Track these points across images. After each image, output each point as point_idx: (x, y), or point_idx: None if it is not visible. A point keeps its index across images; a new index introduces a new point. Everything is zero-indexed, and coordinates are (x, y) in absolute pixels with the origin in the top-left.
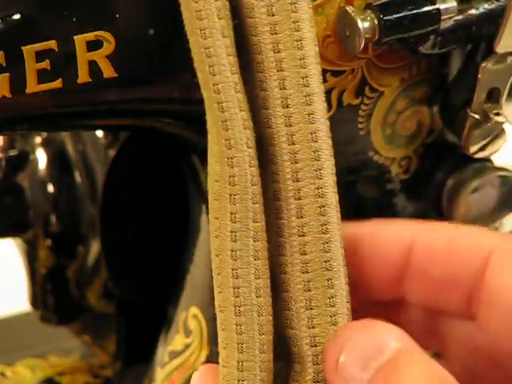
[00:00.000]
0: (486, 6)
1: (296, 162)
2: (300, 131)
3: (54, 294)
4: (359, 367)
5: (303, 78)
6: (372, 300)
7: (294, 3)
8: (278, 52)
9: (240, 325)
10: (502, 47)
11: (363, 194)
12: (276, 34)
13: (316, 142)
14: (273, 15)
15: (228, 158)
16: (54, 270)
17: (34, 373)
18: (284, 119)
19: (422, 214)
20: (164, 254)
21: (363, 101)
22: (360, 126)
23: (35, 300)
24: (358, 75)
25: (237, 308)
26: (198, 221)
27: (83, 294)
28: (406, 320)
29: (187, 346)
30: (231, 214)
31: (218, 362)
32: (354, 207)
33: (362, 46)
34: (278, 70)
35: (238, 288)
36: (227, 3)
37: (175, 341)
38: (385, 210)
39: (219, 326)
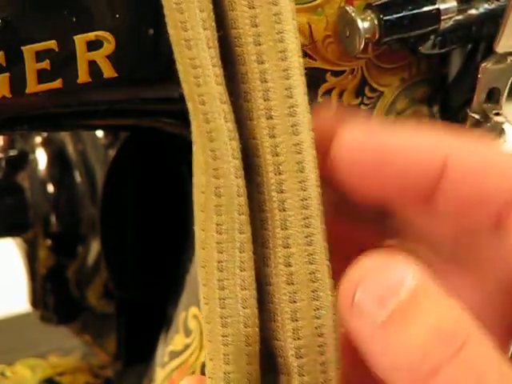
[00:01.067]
0: (486, 6)
1: (280, 174)
2: (284, 142)
3: (53, 294)
4: (376, 305)
5: (287, 89)
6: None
7: (278, 14)
8: (262, 63)
9: (226, 336)
10: (501, 47)
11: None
12: (260, 45)
13: (300, 153)
14: (256, 26)
15: (213, 169)
16: (54, 270)
17: (34, 373)
18: (268, 130)
19: None
20: (164, 254)
21: (363, 101)
22: None
23: (35, 300)
24: (358, 75)
25: (223, 319)
26: None
27: (83, 293)
28: (433, 236)
29: (187, 346)
30: (217, 225)
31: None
32: None
33: (362, 46)
34: (261, 81)
35: (224, 299)
36: (212, 14)
37: (175, 341)
38: None
39: (205, 338)
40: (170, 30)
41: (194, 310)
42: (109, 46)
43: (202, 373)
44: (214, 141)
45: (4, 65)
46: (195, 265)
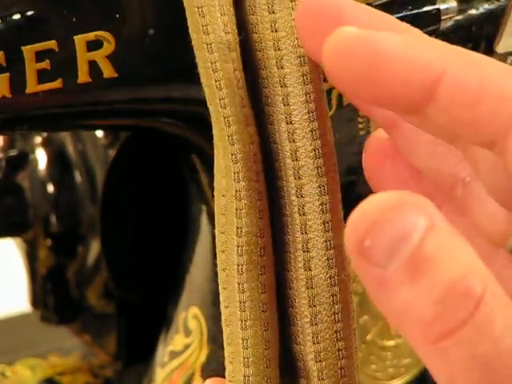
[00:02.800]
0: (486, 6)
1: (300, 178)
2: (303, 147)
3: (54, 294)
4: (386, 254)
5: (306, 95)
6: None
7: None
8: (282, 68)
9: (246, 339)
10: (501, 47)
11: (363, 194)
12: (279, 50)
13: (319, 158)
14: (276, 31)
15: (234, 173)
16: (54, 270)
17: (34, 373)
18: (287, 135)
19: None
20: (164, 254)
21: None
22: (360, 125)
23: (35, 300)
24: None
25: (243, 322)
26: (197, 220)
27: (83, 293)
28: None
29: (187, 346)
30: (237, 228)
31: (217, 362)
32: (354, 207)
33: None
34: (281, 86)
35: (244, 302)
36: (233, 18)
37: (175, 341)
38: None
39: (225, 341)
40: (192, 34)
41: (194, 309)
42: (109, 46)
43: (202, 373)
44: (235, 144)
45: (4, 65)
46: (195, 265)
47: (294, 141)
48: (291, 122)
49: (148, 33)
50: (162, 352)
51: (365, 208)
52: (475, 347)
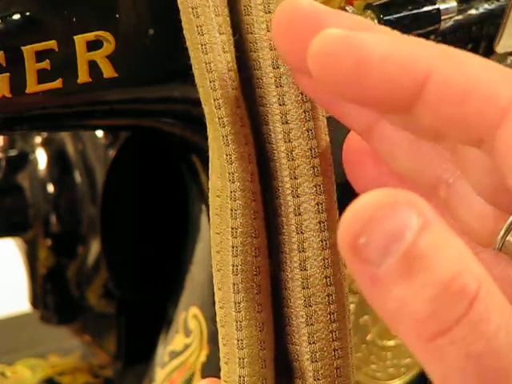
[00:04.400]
0: (486, 6)
1: (295, 178)
2: (299, 147)
3: (54, 294)
4: (379, 252)
5: (302, 94)
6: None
7: None
8: (277, 68)
9: (241, 340)
10: (501, 47)
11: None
12: (275, 49)
13: (315, 157)
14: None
15: (229, 173)
16: (54, 270)
17: (34, 373)
18: (283, 135)
19: None
20: (164, 254)
21: None
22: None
23: (35, 300)
24: None
25: (238, 323)
26: (197, 220)
27: (83, 293)
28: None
29: (187, 346)
30: (232, 228)
31: (217, 362)
32: None
33: None
34: (276, 86)
35: (239, 303)
36: (228, 19)
37: (175, 341)
38: None
39: (221, 341)
40: (186, 34)
41: (193, 309)
42: (109, 46)
43: (202, 373)
44: (230, 145)
45: (4, 65)
46: (195, 265)
47: (289, 140)
48: (287, 122)
49: (148, 33)
50: (162, 352)
51: (358, 206)
52: (469, 346)
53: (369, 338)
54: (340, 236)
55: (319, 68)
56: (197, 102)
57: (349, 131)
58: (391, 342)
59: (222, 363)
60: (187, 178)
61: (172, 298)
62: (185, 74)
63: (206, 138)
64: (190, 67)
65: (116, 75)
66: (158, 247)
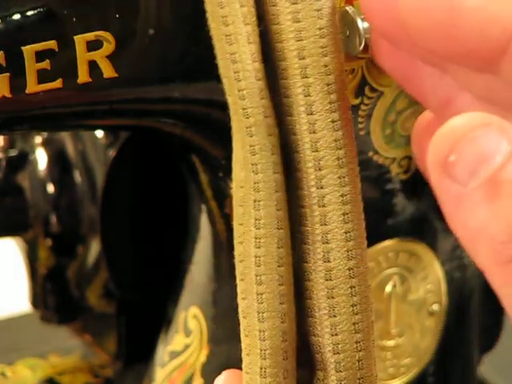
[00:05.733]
0: None
1: (320, 169)
2: (323, 138)
3: (54, 294)
4: (468, 171)
5: (328, 85)
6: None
7: (319, 10)
8: (303, 59)
9: (263, 331)
10: None
11: (363, 194)
12: (301, 40)
13: (340, 149)
14: (298, 22)
15: (252, 165)
16: (54, 270)
17: (35, 373)
18: (308, 126)
19: (422, 214)
20: (164, 254)
21: (363, 101)
22: (360, 126)
23: (35, 300)
24: (358, 75)
25: (260, 314)
26: (197, 220)
27: (83, 293)
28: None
29: (187, 346)
30: (255, 220)
31: (217, 362)
32: None
33: (362, 46)
34: (302, 77)
35: (261, 294)
36: (253, 9)
37: (175, 341)
38: (385, 210)
39: (242, 333)
40: (212, 25)
41: (193, 309)
42: (109, 46)
43: (202, 373)
44: (254, 136)
45: (4, 65)
46: (195, 264)
47: (314, 132)
48: (312, 113)
49: (148, 33)
50: (162, 352)
51: (452, 125)
52: None
53: None
54: (430, 152)
55: (414, 20)
56: (197, 102)
57: None
58: (391, 342)
59: (243, 354)
60: (187, 178)
61: (172, 297)
62: (185, 73)
63: (206, 138)
64: (189, 67)
65: (116, 75)
66: (157, 247)
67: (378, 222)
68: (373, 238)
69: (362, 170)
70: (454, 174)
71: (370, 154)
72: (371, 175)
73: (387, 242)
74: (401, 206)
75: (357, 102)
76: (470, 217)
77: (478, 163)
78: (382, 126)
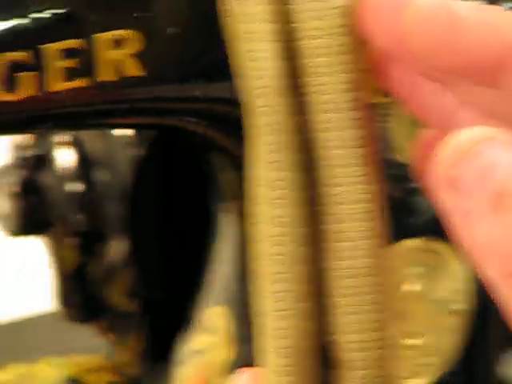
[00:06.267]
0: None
1: (339, 167)
2: (343, 136)
3: (78, 293)
4: (474, 185)
5: (346, 84)
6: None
7: (337, 7)
8: (319, 57)
9: (283, 329)
10: None
11: (386, 192)
12: (317, 39)
13: (360, 147)
14: (319, 20)
15: (270, 163)
16: (78, 269)
17: (59, 371)
18: (326, 124)
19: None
20: (190, 253)
21: (388, 100)
22: (384, 124)
23: (60, 298)
24: None
25: (279, 312)
26: (221, 219)
27: (108, 292)
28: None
29: (212, 345)
30: (273, 218)
31: (241, 361)
32: None
33: None
34: (319, 76)
35: (281, 293)
36: (270, 7)
37: (200, 339)
38: (408, 209)
39: (262, 331)
40: (228, 23)
41: (218, 308)
42: (135, 45)
43: (226, 372)
44: (270, 135)
45: (30, 63)
46: (220, 263)
47: (333, 130)
48: (330, 111)
49: (175, 32)
50: (186, 351)
51: (455, 140)
52: None
53: None
54: (437, 166)
55: (414, 34)
56: (220, 101)
57: None
58: (414, 341)
59: (263, 353)
60: (211, 177)
61: (196, 296)
62: (210, 72)
63: (228, 137)
64: (210, 65)
65: (142, 74)
66: (182, 245)
67: (401, 220)
68: (395, 236)
69: (385, 168)
70: (460, 188)
71: (393, 152)
72: (394, 174)
73: (410, 241)
74: (424, 205)
75: (383, 100)
76: (477, 230)
77: (483, 177)
78: (405, 124)
